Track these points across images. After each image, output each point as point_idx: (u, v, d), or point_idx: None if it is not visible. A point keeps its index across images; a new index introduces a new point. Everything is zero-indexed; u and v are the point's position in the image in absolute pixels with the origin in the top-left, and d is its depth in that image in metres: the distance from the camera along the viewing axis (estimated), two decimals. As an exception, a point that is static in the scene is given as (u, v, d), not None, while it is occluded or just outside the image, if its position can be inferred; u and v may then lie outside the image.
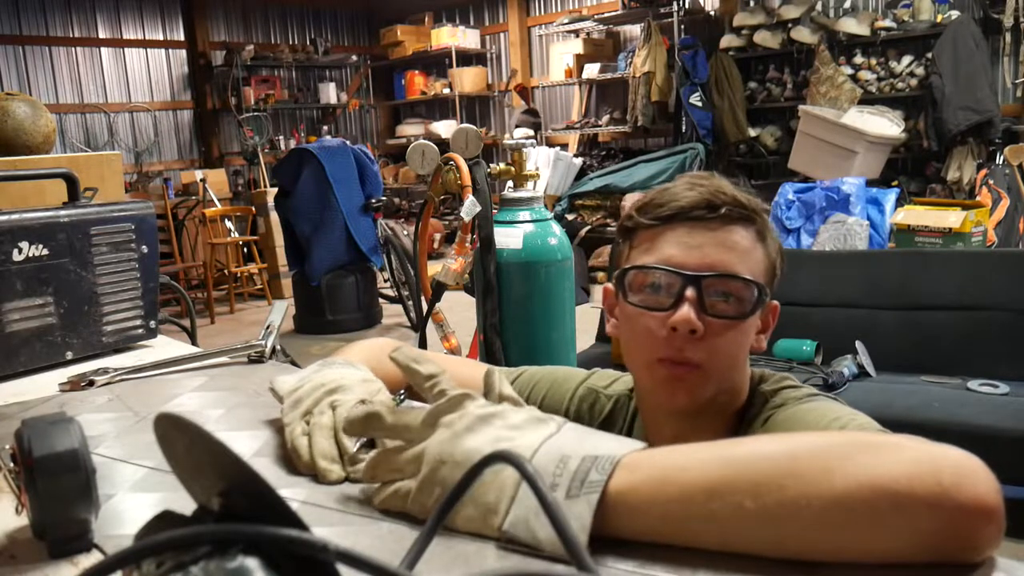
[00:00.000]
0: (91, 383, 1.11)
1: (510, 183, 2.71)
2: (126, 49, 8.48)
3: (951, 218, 4.06)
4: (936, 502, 0.49)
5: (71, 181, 1.38)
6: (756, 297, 0.87)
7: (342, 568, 0.38)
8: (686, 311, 0.84)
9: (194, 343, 1.87)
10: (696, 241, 0.86)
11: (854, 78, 6.29)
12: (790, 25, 6.56)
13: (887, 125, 5.95)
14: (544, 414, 0.63)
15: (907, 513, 0.49)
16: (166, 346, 1.40)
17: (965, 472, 0.50)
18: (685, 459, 0.56)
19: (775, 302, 0.95)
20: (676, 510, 0.53)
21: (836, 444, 0.54)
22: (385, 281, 6.24)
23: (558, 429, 0.60)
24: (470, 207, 2.52)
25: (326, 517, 0.65)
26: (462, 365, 1.09)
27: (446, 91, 9.32)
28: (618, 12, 7.63)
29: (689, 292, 0.84)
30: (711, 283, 0.85)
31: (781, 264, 0.94)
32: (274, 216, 6.38)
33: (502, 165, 2.73)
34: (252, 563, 0.37)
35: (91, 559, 0.61)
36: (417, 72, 9.63)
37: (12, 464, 0.63)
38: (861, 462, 0.51)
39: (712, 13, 7.37)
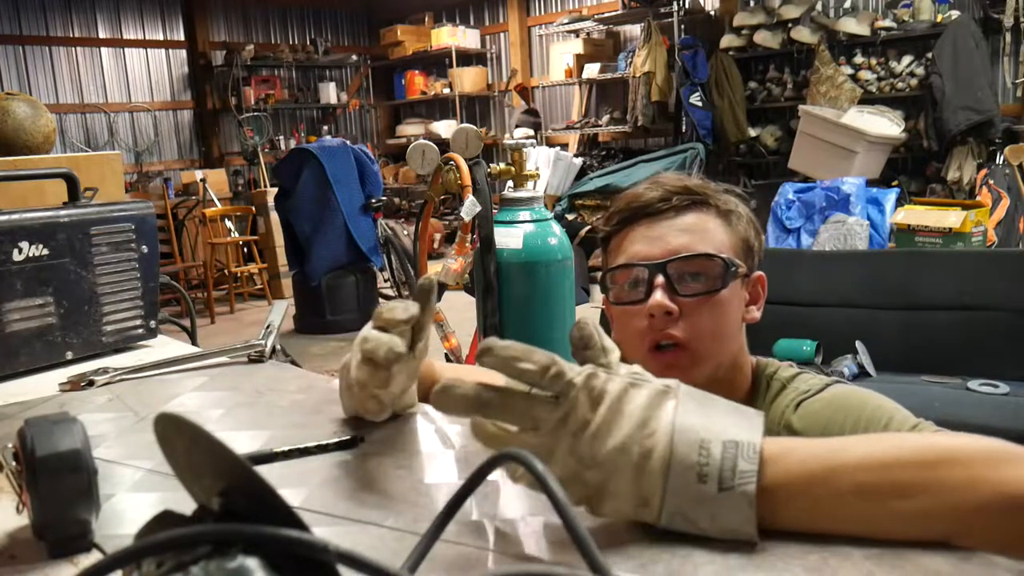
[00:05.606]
0: (91, 383, 1.11)
1: (510, 183, 2.71)
2: (126, 49, 8.48)
3: (951, 218, 4.06)
4: None
5: (71, 181, 1.38)
6: (724, 270, 0.94)
7: (342, 569, 0.38)
8: (658, 296, 0.91)
9: (194, 343, 1.87)
10: (656, 232, 0.95)
11: (854, 78, 6.29)
12: (790, 25, 6.56)
13: (887, 125, 5.95)
14: (653, 379, 0.60)
15: None
16: (166, 346, 1.40)
17: None
18: (829, 457, 0.57)
19: (760, 273, 1.01)
20: (829, 505, 0.55)
21: (978, 450, 0.57)
22: (385, 281, 6.24)
23: (676, 397, 0.58)
24: (470, 207, 2.52)
25: (326, 517, 0.65)
26: (483, 377, 1.09)
27: (446, 91, 9.32)
28: (618, 12, 7.64)
29: (659, 279, 0.92)
30: (676, 266, 0.93)
31: (757, 238, 1.01)
32: (274, 216, 6.38)
33: (502, 165, 2.73)
34: (252, 563, 0.37)
35: (91, 559, 0.61)
36: (417, 72, 9.63)
37: (14, 463, 0.63)
38: (1007, 472, 0.55)
39: (712, 13, 7.37)
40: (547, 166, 7.47)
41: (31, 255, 1.21)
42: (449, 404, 0.56)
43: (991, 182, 5.08)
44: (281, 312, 1.29)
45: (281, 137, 9.15)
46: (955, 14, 5.91)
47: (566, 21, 8.17)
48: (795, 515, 0.56)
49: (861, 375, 2.79)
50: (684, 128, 7.05)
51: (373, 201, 5.70)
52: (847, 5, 6.67)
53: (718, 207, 0.97)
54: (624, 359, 0.63)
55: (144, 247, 1.36)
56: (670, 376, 0.89)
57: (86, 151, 7.57)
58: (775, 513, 0.55)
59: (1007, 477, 0.54)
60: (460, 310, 4.21)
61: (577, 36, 8.33)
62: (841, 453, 0.58)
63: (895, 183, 5.82)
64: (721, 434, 0.56)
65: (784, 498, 0.55)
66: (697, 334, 0.92)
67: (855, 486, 0.55)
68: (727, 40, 6.93)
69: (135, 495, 0.73)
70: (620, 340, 0.97)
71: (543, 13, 8.93)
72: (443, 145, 2.78)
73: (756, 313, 1.00)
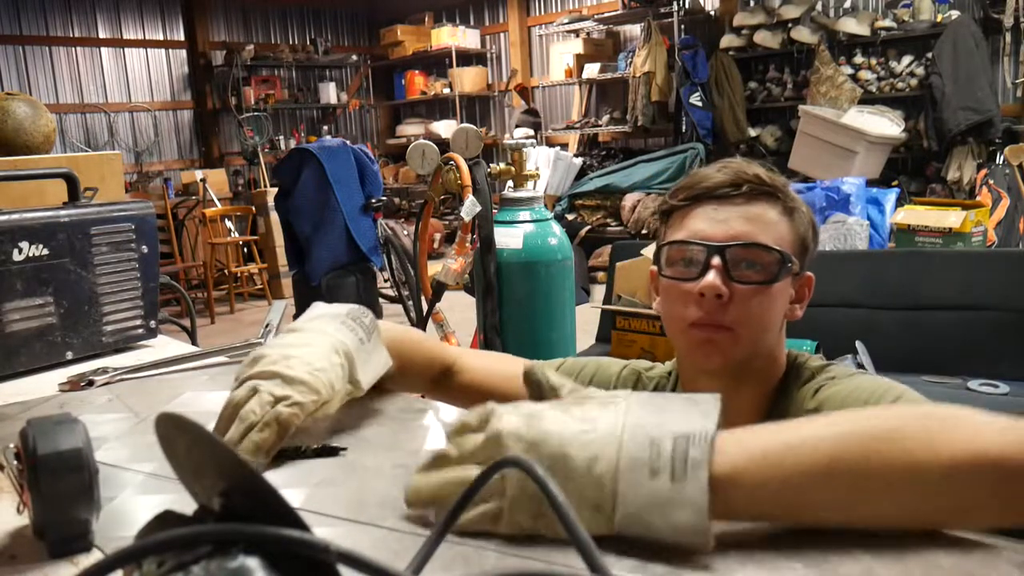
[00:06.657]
0: (91, 383, 1.11)
1: (510, 183, 2.71)
2: (126, 49, 8.48)
3: (951, 218, 4.05)
4: None
5: (71, 181, 1.38)
6: (780, 264, 0.94)
7: (343, 569, 0.39)
8: (712, 277, 0.92)
9: (194, 343, 1.87)
10: (722, 216, 0.95)
11: (854, 78, 6.28)
12: (790, 25, 6.56)
13: (887, 125, 5.95)
14: (604, 393, 0.63)
15: (1008, 478, 0.54)
16: (166, 346, 1.40)
17: None
18: (790, 436, 0.58)
19: (810, 274, 1.02)
20: (796, 484, 0.55)
21: (936, 417, 0.58)
22: (385, 281, 6.24)
23: (627, 405, 0.59)
24: (470, 207, 2.52)
25: (327, 518, 0.65)
26: (504, 360, 1.11)
27: (446, 91, 9.31)
28: (618, 12, 7.63)
29: (715, 261, 0.93)
30: (735, 252, 0.93)
31: (814, 240, 1.01)
32: (274, 216, 6.37)
33: (502, 165, 2.73)
34: (253, 563, 0.37)
35: (91, 559, 0.61)
36: (417, 72, 9.63)
37: (16, 462, 0.63)
38: (960, 434, 0.55)
39: (712, 13, 7.37)
40: (547, 166, 7.47)
41: (31, 255, 1.21)
42: (425, 497, 0.61)
43: (991, 182, 5.08)
44: (280, 312, 1.29)
45: (281, 137, 9.14)
46: (955, 14, 5.90)
47: (566, 21, 8.17)
48: (760, 498, 0.56)
49: (861, 375, 2.79)
50: (684, 128, 7.04)
51: (373, 201, 5.68)
52: (847, 5, 6.66)
53: (784, 203, 0.97)
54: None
55: (144, 247, 1.37)
56: (709, 351, 0.94)
57: (86, 151, 7.57)
58: (736, 499, 0.55)
59: (961, 437, 0.55)
60: (460, 310, 4.21)
61: (577, 36, 8.33)
62: (802, 427, 0.59)
63: (895, 183, 5.82)
64: (672, 429, 0.56)
65: (747, 483, 0.55)
66: (743, 320, 0.93)
67: (822, 457, 0.55)
68: (727, 40, 6.93)
69: (136, 498, 0.73)
70: (663, 312, 1.01)
71: (543, 13, 8.92)
72: (443, 145, 2.78)
73: (799, 312, 1.01)
